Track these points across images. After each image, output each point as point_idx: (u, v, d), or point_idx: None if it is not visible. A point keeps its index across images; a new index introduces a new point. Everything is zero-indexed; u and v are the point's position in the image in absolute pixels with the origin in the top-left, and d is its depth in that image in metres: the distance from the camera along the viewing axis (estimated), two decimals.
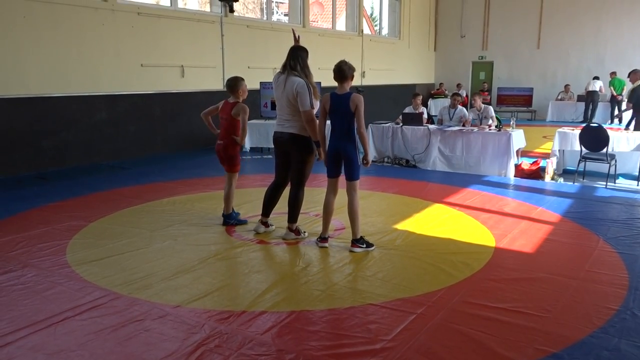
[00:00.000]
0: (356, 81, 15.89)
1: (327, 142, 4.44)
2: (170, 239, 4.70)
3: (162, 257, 4.22)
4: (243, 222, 5.21)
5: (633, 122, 8.39)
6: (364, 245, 4.41)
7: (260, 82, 10.20)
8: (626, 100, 8.68)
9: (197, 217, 5.38)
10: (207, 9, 11.60)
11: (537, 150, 10.32)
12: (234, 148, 5.07)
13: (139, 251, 4.36)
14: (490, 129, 8.07)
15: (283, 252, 4.44)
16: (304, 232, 4.81)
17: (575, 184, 7.32)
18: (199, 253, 4.32)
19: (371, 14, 21.68)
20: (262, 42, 11.80)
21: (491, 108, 8.76)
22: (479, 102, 8.72)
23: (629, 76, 8.83)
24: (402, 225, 5.16)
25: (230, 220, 5.17)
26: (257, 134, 9.86)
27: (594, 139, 7.26)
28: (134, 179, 7.33)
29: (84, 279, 3.76)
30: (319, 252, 4.40)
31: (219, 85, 10.86)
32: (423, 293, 3.55)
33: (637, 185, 7.29)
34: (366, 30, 16.96)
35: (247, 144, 9.90)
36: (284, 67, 4.49)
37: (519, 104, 17.86)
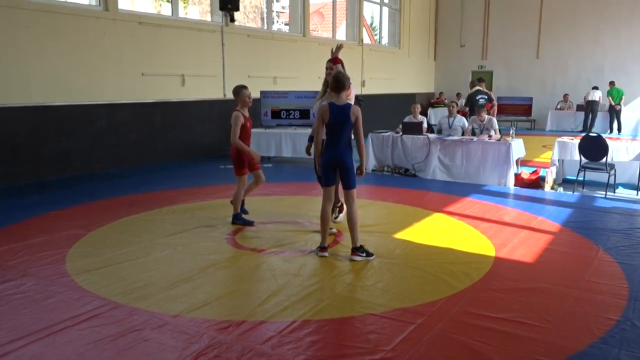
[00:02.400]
0: (357, 90, 15.87)
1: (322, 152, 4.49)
2: (169, 248, 4.69)
3: (161, 266, 4.21)
4: (249, 223, 5.40)
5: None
6: (364, 254, 4.41)
7: (261, 91, 10.25)
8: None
9: (197, 226, 5.38)
10: (208, 18, 11.66)
11: (537, 159, 10.33)
12: (235, 153, 5.35)
13: (139, 260, 4.36)
14: (490, 139, 8.09)
15: (283, 262, 4.43)
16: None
17: (575, 193, 7.32)
18: (198, 262, 4.32)
19: (371, 24, 21.79)
20: (262, 52, 11.85)
21: (495, 120, 8.72)
22: (483, 114, 8.67)
23: (470, 87, 10.51)
24: (401, 235, 5.16)
25: (237, 220, 5.40)
26: (257, 143, 9.84)
27: (594, 149, 7.28)
28: (134, 188, 7.33)
29: (83, 288, 3.75)
30: (319, 261, 4.39)
31: (219, 94, 10.90)
32: (423, 303, 3.55)
33: (637, 194, 7.30)
34: (366, 39, 17.06)
35: None
36: None
37: (518, 113, 17.88)
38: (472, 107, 10.10)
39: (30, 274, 4.03)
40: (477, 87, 10.61)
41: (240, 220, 5.42)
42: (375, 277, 4.04)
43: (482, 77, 11.36)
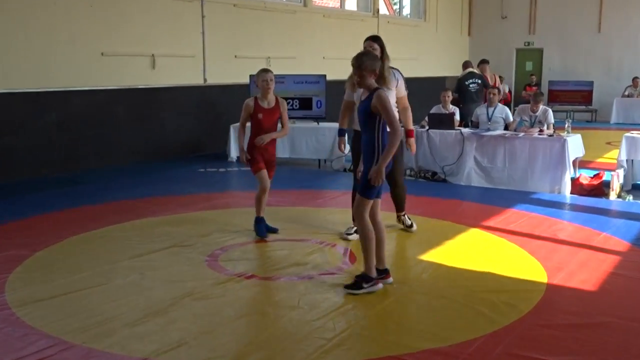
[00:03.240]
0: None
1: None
2: (136, 272, 4.69)
3: (125, 296, 4.21)
4: (262, 234, 5.62)
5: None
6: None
7: (250, 75, 10.23)
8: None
9: (170, 245, 5.37)
10: None
11: (600, 160, 10.31)
12: (249, 145, 5.59)
13: (97, 288, 4.35)
14: (541, 134, 8.06)
15: (279, 290, 4.42)
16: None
17: None
18: (172, 291, 4.31)
19: None
20: (253, 25, 11.88)
21: (551, 112, 8.67)
22: (538, 104, 8.59)
23: (462, 69, 11.33)
24: (429, 256, 5.14)
25: (257, 226, 5.70)
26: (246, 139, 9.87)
27: None
28: (91, 197, 7.34)
29: (27, 324, 3.74)
30: (323, 290, 4.37)
31: (198, 79, 10.93)
32: (456, 342, 3.52)
33: None
34: (383, 9, 17.09)
35: (234, 153, 9.91)
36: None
37: (575, 101, 17.86)
38: (461, 94, 10.67)
39: None
40: (470, 69, 11.01)
41: (257, 227, 5.65)
42: (396, 310, 4.02)
43: (485, 59, 12.10)
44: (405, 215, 5.92)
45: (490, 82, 11.53)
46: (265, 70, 5.57)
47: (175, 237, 5.61)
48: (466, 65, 11.39)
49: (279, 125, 5.71)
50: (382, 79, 4.48)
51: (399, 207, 5.90)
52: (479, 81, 10.75)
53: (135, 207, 6.79)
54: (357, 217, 4.36)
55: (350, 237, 5.55)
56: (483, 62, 11.85)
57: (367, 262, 4.32)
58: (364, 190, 4.31)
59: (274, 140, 5.68)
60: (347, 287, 4.30)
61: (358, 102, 4.59)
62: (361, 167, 4.48)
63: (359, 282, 4.29)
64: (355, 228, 5.60)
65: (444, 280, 4.59)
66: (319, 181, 8.67)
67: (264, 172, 5.57)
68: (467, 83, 10.72)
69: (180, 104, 10.66)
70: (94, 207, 6.81)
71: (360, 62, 4.25)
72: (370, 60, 4.29)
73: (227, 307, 4.09)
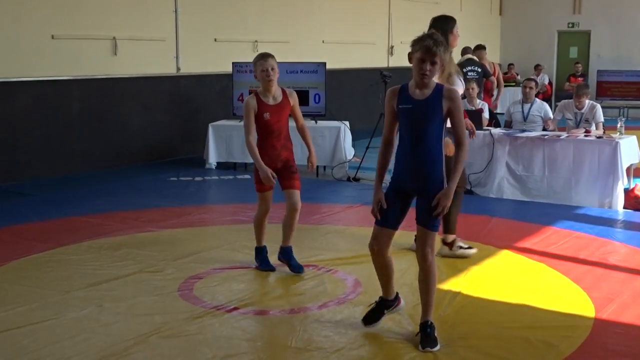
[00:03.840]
0: (381, 61, 15.92)
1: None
2: (92, 304, 4.68)
3: (80, 333, 4.19)
4: (268, 268, 5.47)
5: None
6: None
7: (233, 63, 10.28)
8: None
9: (135, 271, 5.37)
10: None
11: None
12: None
13: (46, 324, 4.34)
14: (588, 135, 8.06)
15: (268, 326, 4.43)
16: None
17: None
18: (136, 327, 4.30)
19: None
20: (236, 2, 11.90)
21: (599, 108, 8.68)
22: (583, 99, 8.62)
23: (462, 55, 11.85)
24: (451, 284, 5.14)
25: (256, 259, 5.54)
26: (226, 143, 9.80)
27: None
28: (40, 211, 7.35)
29: None
30: (320, 326, 4.37)
31: (170, 67, 10.92)
32: None
33: None
34: None
35: (213, 158, 9.85)
36: None
37: (629, 95, 17.89)
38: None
39: None
40: (469, 56, 11.33)
41: (259, 259, 5.50)
42: (411, 351, 4.00)
43: (482, 44, 12.44)
44: (457, 238, 5.85)
45: (489, 71, 11.88)
46: (263, 57, 5.26)
47: (141, 261, 5.61)
48: (465, 51, 11.72)
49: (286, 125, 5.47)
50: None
51: (452, 228, 5.78)
52: (479, 69, 11.01)
53: (93, 224, 6.78)
54: (423, 257, 4.02)
55: (470, 251, 5.75)
56: (479, 47, 12.13)
57: (431, 308, 4.12)
58: (433, 221, 3.96)
59: (288, 143, 5.46)
60: (424, 346, 3.96)
61: (396, 101, 4.02)
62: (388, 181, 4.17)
63: (432, 335, 4.02)
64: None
65: (469, 314, 4.59)
66: (316, 193, 8.65)
67: (270, 193, 5.38)
68: (465, 71, 10.78)
69: (148, 97, 10.66)
70: (43, 224, 6.80)
71: (439, 52, 3.88)
72: (447, 52, 4.15)
73: (203, 347, 4.08)
